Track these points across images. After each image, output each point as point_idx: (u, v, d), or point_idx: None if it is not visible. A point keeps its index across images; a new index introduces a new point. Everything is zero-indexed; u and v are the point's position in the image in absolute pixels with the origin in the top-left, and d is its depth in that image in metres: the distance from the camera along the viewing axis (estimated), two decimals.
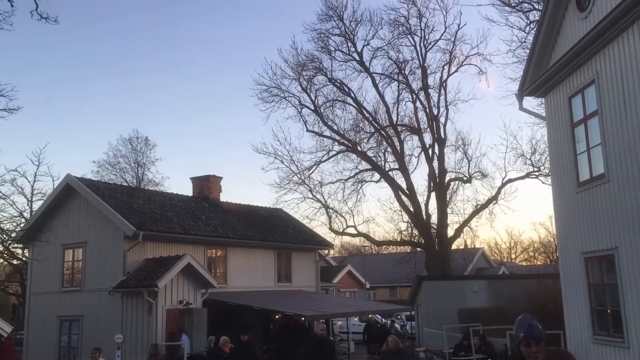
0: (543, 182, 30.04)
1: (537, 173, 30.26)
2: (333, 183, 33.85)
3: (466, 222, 32.54)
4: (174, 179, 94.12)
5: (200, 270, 19.74)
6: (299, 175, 33.15)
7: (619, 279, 10.40)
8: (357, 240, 45.23)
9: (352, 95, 33.31)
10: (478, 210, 32.40)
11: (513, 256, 51.38)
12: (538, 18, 14.18)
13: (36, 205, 20.94)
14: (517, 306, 16.94)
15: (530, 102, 19.53)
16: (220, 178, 27.37)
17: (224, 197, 27.46)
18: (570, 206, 12.40)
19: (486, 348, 14.13)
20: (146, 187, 36.37)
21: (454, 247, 35.12)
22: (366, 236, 34.95)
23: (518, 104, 14.17)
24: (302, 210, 44.67)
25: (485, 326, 16.44)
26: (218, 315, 19.90)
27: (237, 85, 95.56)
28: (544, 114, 14.11)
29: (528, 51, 14.29)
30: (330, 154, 33.65)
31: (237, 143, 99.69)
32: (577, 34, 11.39)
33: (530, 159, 30.58)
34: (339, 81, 33.44)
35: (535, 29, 13.95)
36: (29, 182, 35.20)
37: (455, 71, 32.75)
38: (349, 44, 32.83)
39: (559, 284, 13.26)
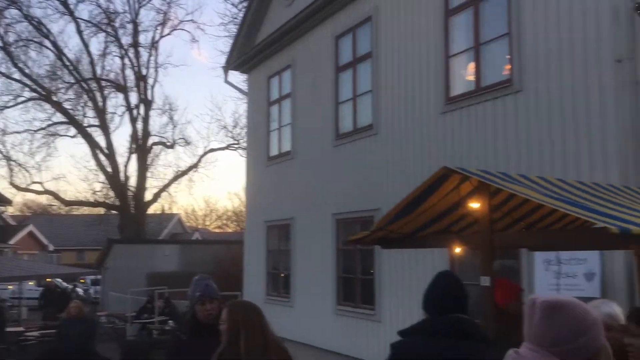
0: (241, 155, 31.88)
1: (236, 146, 31.89)
2: (19, 133, 30.39)
3: (165, 187, 32.61)
4: None
5: None
6: None
7: (292, 246, 11.72)
8: (43, 199, 41.15)
9: (52, 38, 29.99)
10: (178, 176, 32.74)
11: (208, 223, 53.39)
12: None
13: None
14: (206, 270, 17.67)
15: (237, 77, 20.43)
16: None
17: None
18: (259, 178, 13.42)
19: (170, 310, 14.45)
20: None
21: (150, 211, 34.86)
22: (54, 195, 32.18)
23: (224, 77, 14.72)
24: None
25: (173, 289, 16.80)
26: None
27: None
28: (247, 90, 14.92)
29: (238, 27, 14.87)
30: (19, 100, 29.96)
31: None
32: (281, 19, 12.25)
33: (231, 132, 32.10)
34: (36, 20, 29.71)
35: (245, 8, 14.56)
36: None
37: (169, 34, 32.49)
38: None
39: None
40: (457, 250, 4.73)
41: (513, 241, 4.77)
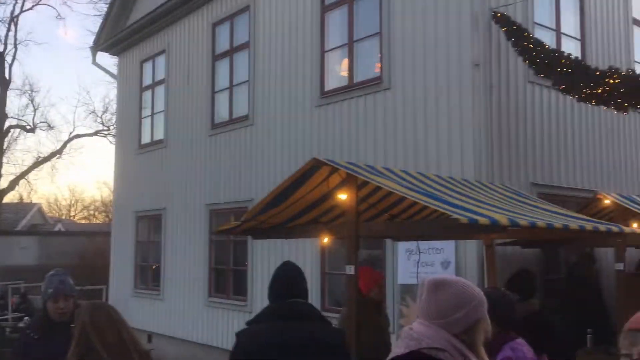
0: (111, 142, 30.27)
1: (106, 132, 30.32)
2: None
3: (24, 174, 30.27)
4: None
5: None
6: None
7: (163, 237, 11.36)
8: None
9: None
10: (39, 162, 30.54)
11: (73, 214, 50.03)
12: None
13: None
14: (68, 263, 16.73)
15: (108, 59, 19.31)
16: None
17: None
18: (130, 167, 12.83)
19: (26, 306, 13.47)
20: None
21: (6, 200, 32.10)
22: None
23: (92, 58, 13.87)
24: None
25: (30, 284, 15.67)
26: None
27: None
28: (117, 74, 14.16)
29: (108, 6, 14.07)
30: None
31: None
32: (155, 1, 11.75)
33: (101, 117, 30.49)
34: None
35: None
36: None
37: (30, 9, 29.81)
38: None
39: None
40: (325, 240, 4.86)
41: (378, 231, 5.00)
